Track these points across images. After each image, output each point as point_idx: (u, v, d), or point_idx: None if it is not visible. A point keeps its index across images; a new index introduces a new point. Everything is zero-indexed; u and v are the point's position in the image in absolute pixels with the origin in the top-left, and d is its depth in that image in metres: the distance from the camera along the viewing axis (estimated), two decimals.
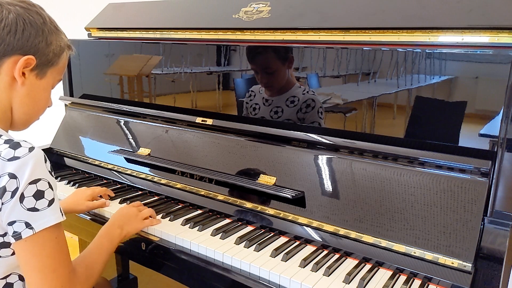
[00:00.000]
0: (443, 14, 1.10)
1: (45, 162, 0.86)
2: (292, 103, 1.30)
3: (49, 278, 0.86)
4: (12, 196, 0.81)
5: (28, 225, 0.83)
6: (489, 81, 1.00)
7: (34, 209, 0.83)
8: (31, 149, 0.84)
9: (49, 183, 0.85)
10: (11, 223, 0.83)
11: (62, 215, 0.89)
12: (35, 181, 0.83)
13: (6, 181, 0.81)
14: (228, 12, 1.47)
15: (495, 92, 0.97)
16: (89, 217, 1.35)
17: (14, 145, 0.84)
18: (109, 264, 1.74)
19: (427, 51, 1.06)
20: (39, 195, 0.83)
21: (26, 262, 0.86)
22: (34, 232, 0.83)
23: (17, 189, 0.81)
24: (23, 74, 0.92)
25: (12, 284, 0.92)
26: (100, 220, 1.32)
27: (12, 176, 0.81)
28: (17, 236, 0.83)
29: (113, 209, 1.33)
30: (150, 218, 1.23)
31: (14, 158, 0.82)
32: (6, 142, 0.85)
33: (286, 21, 1.33)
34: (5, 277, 0.91)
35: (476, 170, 0.98)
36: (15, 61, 0.90)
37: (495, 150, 0.98)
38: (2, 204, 0.82)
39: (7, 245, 0.87)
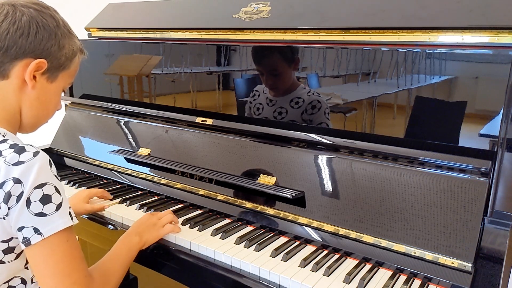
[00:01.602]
0: (443, 14, 1.10)
1: (50, 166, 0.85)
2: (297, 104, 1.30)
3: (63, 283, 0.84)
4: (17, 201, 0.80)
5: (36, 230, 0.82)
6: (489, 81, 1.00)
7: (41, 214, 0.82)
8: (36, 153, 0.83)
9: (55, 187, 0.84)
10: (20, 229, 0.82)
11: (73, 218, 0.87)
12: (40, 186, 0.82)
13: (11, 186, 0.80)
14: (228, 12, 1.47)
15: (495, 92, 0.97)
16: (89, 217, 1.35)
17: (19, 149, 0.83)
18: None
19: (427, 51, 1.06)
20: (46, 199, 0.82)
21: (38, 267, 0.84)
22: (43, 238, 0.82)
23: (22, 193, 0.80)
24: (34, 77, 0.91)
25: (14, 287, 0.91)
26: (99, 220, 1.32)
27: (17, 180, 0.80)
28: (26, 242, 0.82)
29: (113, 209, 1.33)
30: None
31: (19, 163, 0.81)
32: (11, 146, 0.84)
33: (286, 21, 1.33)
34: (8, 281, 0.90)
35: (476, 170, 0.98)
36: (26, 64, 0.89)
37: (495, 150, 0.98)
38: (9, 209, 0.81)
39: (11, 250, 0.86)
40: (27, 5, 0.89)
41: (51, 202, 0.83)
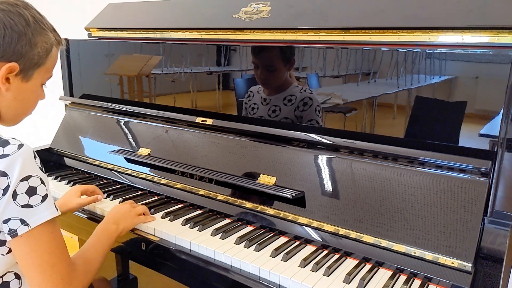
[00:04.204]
0: (443, 14, 1.10)
1: (35, 158, 0.86)
2: (290, 102, 1.31)
3: (48, 273, 0.86)
4: (4, 194, 0.82)
5: (23, 221, 0.83)
6: (489, 81, 1.00)
7: (28, 206, 0.84)
8: (20, 146, 0.84)
9: (40, 179, 0.85)
10: (6, 221, 0.83)
11: (57, 210, 0.89)
12: (26, 178, 0.83)
13: None
14: (228, 12, 1.47)
15: (495, 92, 0.97)
16: (89, 217, 1.35)
17: (3, 143, 0.84)
18: (109, 264, 1.75)
19: (427, 51, 1.06)
20: (31, 191, 0.84)
21: (24, 259, 0.86)
22: (29, 229, 0.84)
23: (8, 186, 0.82)
24: (8, 79, 0.90)
25: (9, 282, 0.92)
26: (99, 220, 1.32)
27: (2, 173, 0.81)
28: (13, 233, 0.83)
29: None
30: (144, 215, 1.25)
31: (3, 156, 0.82)
32: None
33: (286, 21, 1.33)
34: (1, 276, 0.91)
35: (476, 170, 0.98)
36: None
37: (495, 150, 0.98)
38: None
39: (2, 243, 0.87)
40: None
41: (36, 194, 0.84)
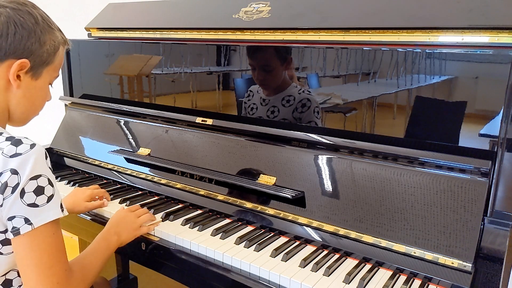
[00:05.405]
0: (443, 14, 1.10)
1: (46, 158, 0.87)
2: (288, 103, 1.31)
3: (45, 274, 0.86)
4: (12, 192, 0.83)
5: (27, 220, 0.84)
6: (489, 81, 1.00)
7: (33, 205, 0.84)
8: (33, 145, 0.85)
9: (49, 179, 0.86)
10: (10, 218, 0.84)
11: (63, 210, 0.89)
12: (36, 177, 0.84)
13: (8, 177, 0.82)
14: (228, 12, 1.47)
15: (495, 92, 0.97)
16: (89, 217, 1.35)
17: (16, 142, 0.85)
18: (109, 264, 1.75)
19: (427, 51, 1.06)
20: (39, 191, 0.85)
21: (23, 258, 0.86)
22: (32, 228, 0.84)
23: (18, 184, 0.82)
24: (18, 77, 0.92)
25: (11, 280, 0.93)
26: (100, 220, 1.32)
27: (14, 171, 0.82)
28: (15, 231, 0.84)
29: (113, 209, 1.33)
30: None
31: (16, 155, 0.83)
32: (7, 139, 0.86)
33: (286, 21, 1.33)
34: (5, 274, 0.91)
35: (476, 170, 0.98)
36: (9, 66, 0.90)
37: (495, 150, 0.98)
38: (4, 199, 0.83)
39: (9, 241, 0.88)
40: (3, 5, 0.90)
41: (43, 193, 0.85)
